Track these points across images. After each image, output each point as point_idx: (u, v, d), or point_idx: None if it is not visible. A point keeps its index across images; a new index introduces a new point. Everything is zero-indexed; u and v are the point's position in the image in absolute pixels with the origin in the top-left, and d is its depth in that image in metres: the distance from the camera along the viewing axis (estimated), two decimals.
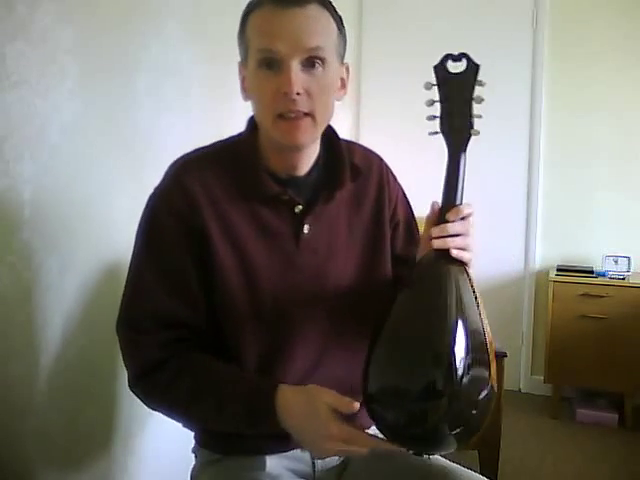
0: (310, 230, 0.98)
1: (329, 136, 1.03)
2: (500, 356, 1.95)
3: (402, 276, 1.08)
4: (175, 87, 1.59)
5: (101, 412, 1.36)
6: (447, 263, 0.88)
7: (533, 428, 2.71)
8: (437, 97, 0.91)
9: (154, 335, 0.94)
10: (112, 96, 1.35)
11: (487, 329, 0.86)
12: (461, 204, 0.89)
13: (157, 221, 0.95)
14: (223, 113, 1.74)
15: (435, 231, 0.88)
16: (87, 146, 1.27)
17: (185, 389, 0.92)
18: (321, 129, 0.96)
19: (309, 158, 0.99)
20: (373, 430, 0.89)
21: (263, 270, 0.96)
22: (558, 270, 2.89)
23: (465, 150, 0.90)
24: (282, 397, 0.87)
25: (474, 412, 0.83)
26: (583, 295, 2.72)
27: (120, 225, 1.33)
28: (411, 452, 0.86)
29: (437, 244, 0.87)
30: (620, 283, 2.71)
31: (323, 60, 0.90)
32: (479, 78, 0.89)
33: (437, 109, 0.91)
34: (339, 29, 0.94)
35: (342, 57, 0.97)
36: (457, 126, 0.89)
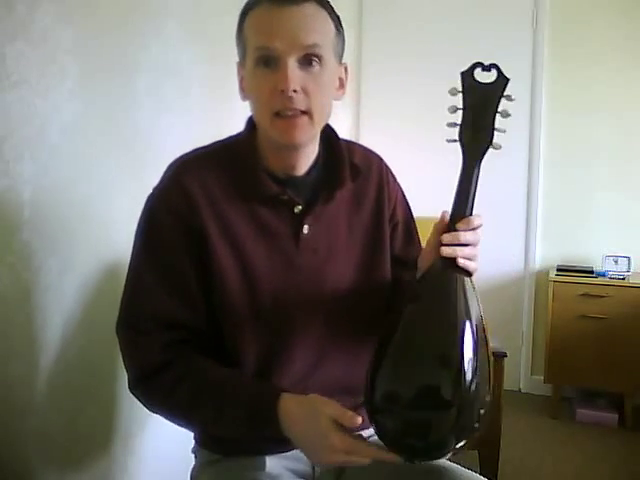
0: (310, 230, 0.98)
1: (328, 136, 1.03)
2: (500, 356, 1.95)
3: (400, 277, 1.08)
4: (175, 87, 1.59)
5: (101, 412, 1.36)
6: (454, 272, 0.87)
7: (533, 428, 2.71)
8: (460, 104, 0.89)
9: (154, 336, 0.93)
10: (112, 96, 1.35)
11: (488, 338, 0.87)
12: (471, 215, 0.88)
13: (156, 221, 0.95)
14: (223, 113, 1.74)
15: (446, 238, 0.87)
16: (87, 146, 1.27)
17: (186, 394, 0.92)
18: (319, 128, 0.96)
19: (308, 158, 0.99)
20: (369, 432, 0.89)
21: (262, 270, 0.96)
22: (558, 270, 2.89)
23: (481, 161, 0.88)
24: (284, 406, 0.87)
25: (477, 424, 0.84)
26: (583, 295, 2.72)
27: (120, 225, 1.33)
28: (407, 462, 0.86)
29: (446, 252, 0.87)
30: (620, 283, 2.71)
31: (320, 58, 0.90)
32: (508, 93, 0.87)
33: (455, 116, 0.89)
34: (337, 28, 0.94)
35: (340, 57, 0.97)
36: (477, 137, 0.87)
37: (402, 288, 1.07)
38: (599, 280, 2.75)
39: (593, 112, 2.95)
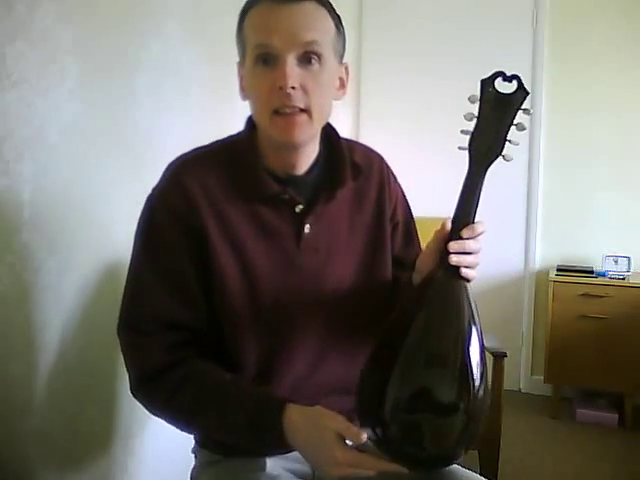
0: (311, 230, 0.98)
1: (329, 135, 1.03)
2: (500, 356, 1.95)
3: (398, 278, 1.08)
4: (175, 87, 1.59)
5: (101, 412, 1.36)
6: (458, 279, 0.87)
7: (533, 428, 2.71)
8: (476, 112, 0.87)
9: (156, 337, 0.93)
10: (112, 96, 1.35)
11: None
12: (474, 222, 0.88)
13: (155, 221, 0.95)
14: (223, 113, 1.74)
15: (454, 246, 0.86)
16: (87, 146, 1.27)
17: (188, 398, 0.92)
18: (318, 126, 0.95)
19: (308, 157, 0.99)
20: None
21: (263, 270, 0.96)
22: (558, 270, 2.89)
23: (487, 170, 0.88)
24: (288, 416, 0.87)
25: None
26: (583, 295, 2.72)
27: (120, 225, 1.33)
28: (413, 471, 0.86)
29: (456, 260, 0.86)
30: (620, 283, 2.71)
31: (319, 56, 0.90)
32: (527, 107, 0.86)
33: (468, 123, 0.88)
34: (337, 27, 0.94)
35: (341, 56, 0.97)
36: (488, 147, 0.86)
37: (400, 289, 1.07)
38: (599, 280, 2.75)
39: (593, 112, 2.95)
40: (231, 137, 1.02)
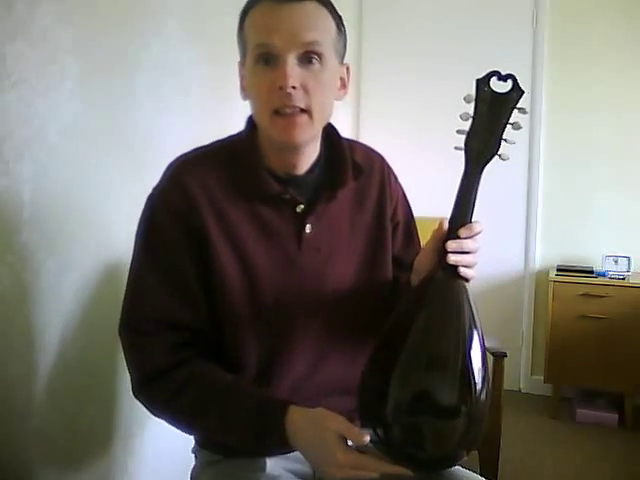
0: (312, 230, 0.98)
1: (330, 134, 1.03)
2: (500, 356, 1.95)
3: (397, 278, 1.08)
4: (175, 87, 1.59)
5: (101, 412, 1.36)
6: (457, 279, 0.87)
7: (533, 428, 2.71)
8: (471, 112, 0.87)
9: (157, 337, 0.93)
10: (112, 96, 1.35)
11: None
12: (472, 221, 0.88)
13: (156, 221, 0.95)
14: (223, 113, 1.74)
15: (452, 245, 0.86)
16: (87, 146, 1.27)
17: (190, 399, 0.92)
18: (319, 127, 0.95)
19: (309, 157, 0.99)
20: None
21: (264, 270, 0.96)
22: (558, 270, 2.89)
23: (483, 170, 0.88)
24: (289, 420, 0.87)
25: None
26: (583, 295, 2.72)
27: (120, 226, 1.33)
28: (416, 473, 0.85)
29: (454, 259, 0.86)
30: (620, 283, 2.71)
31: (320, 56, 0.90)
32: (522, 106, 0.86)
33: (464, 123, 0.88)
34: (338, 28, 0.94)
35: (342, 56, 0.97)
36: (484, 146, 0.86)
37: (400, 289, 1.07)
38: (599, 280, 2.75)
39: (593, 112, 2.95)
40: (231, 137, 1.02)
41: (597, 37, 2.93)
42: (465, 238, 0.87)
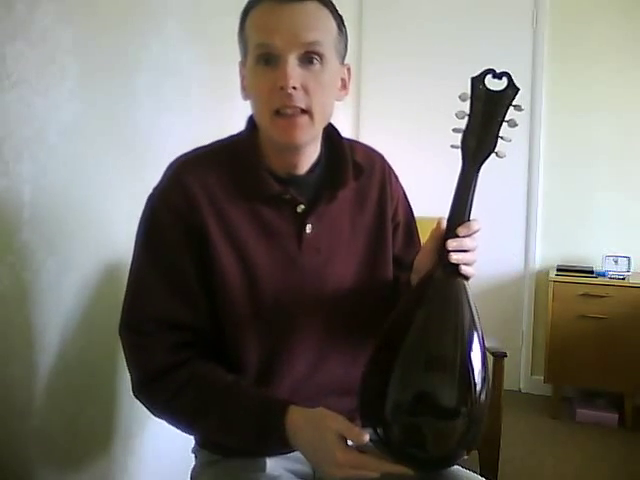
0: (312, 230, 0.98)
1: (331, 134, 1.03)
2: (500, 356, 1.95)
3: (398, 278, 1.08)
4: (175, 87, 1.59)
5: (101, 412, 1.36)
6: (457, 278, 0.87)
7: (533, 428, 2.71)
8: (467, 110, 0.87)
9: (157, 337, 0.93)
10: (112, 96, 1.35)
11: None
12: (469, 220, 0.88)
13: (156, 220, 0.95)
14: (223, 113, 1.74)
15: (452, 245, 0.86)
16: (87, 146, 1.27)
17: (191, 400, 0.92)
18: (319, 128, 0.95)
19: (309, 157, 0.99)
20: None
21: (264, 270, 0.96)
22: (558, 270, 2.89)
23: (480, 168, 0.87)
24: (290, 420, 0.87)
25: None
26: (583, 295, 2.72)
27: (120, 225, 1.33)
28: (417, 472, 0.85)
29: (455, 258, 0.86)
30: (620, 283, 2.71)
31: (321, 56, 0.90)
32: (518, 103, 0.86)
33: (460, 121, 0.88)
34: (339, 28, 0.94)
35: (343, 57, 0.97)
36: (480, 144, 0.87)
37: (400, 289, 1.07)
38: (599, 280, 2.75)
39: (593, 112, 2.95)
40: (232, 137, 1.02)
41: (597, 37, 2.93)
42: (464, 236, 0.87)
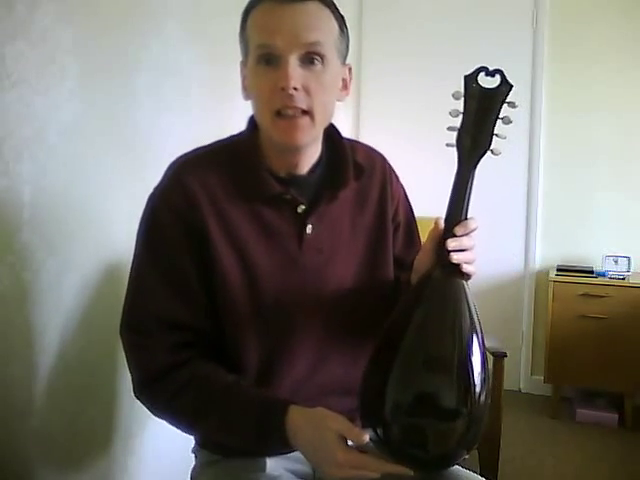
0: (313, 230, 0.98)
1: (331, 134, 1.03)
2: (500, 356, 1.95)
3: (398, 278, 1.08)
4: (175, 87, 1.59)
5: (101, 412, 1.36)
6: (457, 277, 0.87)
7: (533, 428, 2.71)
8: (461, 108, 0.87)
9: (158, 337, 0.93)
10: (112, 96, 1.35)
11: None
12: (466, 219, 0.88)
13: (157, 220, 0.94)
14: (223, 113, 1.74)
15: (452, 244, 0.86)
16: (87, 146, 1.27)
17: (191, 400, 0.92)
18: (320, 128, 0.95)
19: (310, 157, 0.99)
20: None
21: (264, 270, 0.96)
22: (558, 270, 2.89)
23: (476, 166, 0.87)
24: (290, 420, 0.87)
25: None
26: (583, 295, 2.72)
27: (120, 226, 1.33)
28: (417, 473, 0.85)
29: (456, 258, 0.86)
30: (620, 283, 2.71)
31: (322, 57, 0.89)
32: (512, 100, 0.86)
33: (456, 120, 0.88)
34: (341, 28, 0.94)
35: (344, 57, 0.97)
36: (475, 142, 0.86)
37: (401, 289, 1.07)
38: (599, 280, 2.75)
39: (593, 112, 2.95)
40: (232, 137, 1.02)
41: (597, 37, 2.93)
42: (461, 235, 0.87)
